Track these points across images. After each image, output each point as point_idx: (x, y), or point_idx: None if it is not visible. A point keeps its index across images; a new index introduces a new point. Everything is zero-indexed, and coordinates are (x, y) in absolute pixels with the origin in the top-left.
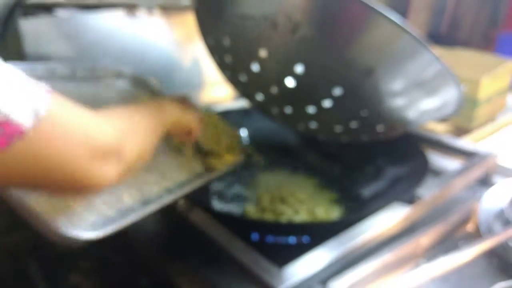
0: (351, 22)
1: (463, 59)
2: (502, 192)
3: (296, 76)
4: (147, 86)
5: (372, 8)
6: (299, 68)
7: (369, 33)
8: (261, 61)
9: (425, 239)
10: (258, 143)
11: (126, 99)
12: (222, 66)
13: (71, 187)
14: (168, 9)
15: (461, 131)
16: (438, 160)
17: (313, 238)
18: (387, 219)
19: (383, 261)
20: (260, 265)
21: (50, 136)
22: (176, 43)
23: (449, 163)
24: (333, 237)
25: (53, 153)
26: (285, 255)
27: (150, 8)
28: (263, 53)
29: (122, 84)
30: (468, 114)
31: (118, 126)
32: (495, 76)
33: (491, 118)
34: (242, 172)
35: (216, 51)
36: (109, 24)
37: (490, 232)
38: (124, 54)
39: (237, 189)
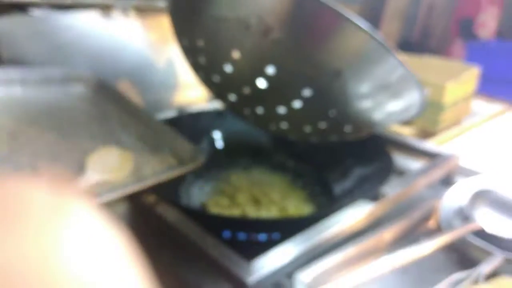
0: (321, 27)
1: (430, 65)
2: (462, 191)
3: (267, 77)
4: (110, 91)
5: (341, 15)
6: (270, 70)
7: (337, 37)
8: (233, 62)
9: (388, 234)
10: (231, 144)
11: (84, 107)
12: (196, 67)
13: None
14: (143, 11)
15: (426, 134)
16: (403, 161)
17: (283, 234)
18: (352, 215)
19: (347, 254)
20: (230, 259)
21: None
22: (151, 44)
23: (413, 164)
24: (301, 232)
25: None
26: (256, 250)
27: (125, 10)
28: (236, 54)
29: (82, 90)
30: (433, 118)
31: None
32: (460, 81)
33: (456, 122)
34: (214, 171)
35: (190, 52)
36: (84, 24)
37: (450, 228)
38: (98, 55)
39: (206, 187)
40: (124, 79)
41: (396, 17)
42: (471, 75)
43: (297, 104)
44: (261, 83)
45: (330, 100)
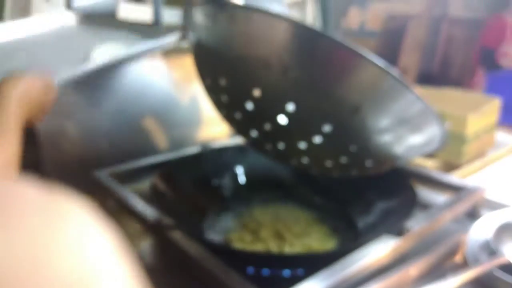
0: (337, 65)
1: (451, 98)
2: (488, 225)
3: (287, 114)
4: None
5: (356, 53)
6: (290, 106)
7: (354, 75)
8: (254, 100)
9: (414, 269)
10: (254, 178)
11: None
12: (219, 105)
13: None
14: (168, 52)
15: (450, 167)
16: (427, 194)
17: (307, 270)
18: (377, 251)
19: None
20: None
21: None
22: (175, 83)
23: (437, 198)
24: (325, 268)
25: None
26: (280, 286)
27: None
28: (256, 92)
29: None
30: (456, 150)
31: None
32: (482, 113)
33: (480, 154)
34: (237, 206)
35: (212, 91)
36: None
37: (476, 262)
38: (125, 94)
39: (229, 222)
40: (150, 117)
41: (415, 49)
42: (493, 106)
43: (317, 139)
44: (282, 120)
45: (350, 135)
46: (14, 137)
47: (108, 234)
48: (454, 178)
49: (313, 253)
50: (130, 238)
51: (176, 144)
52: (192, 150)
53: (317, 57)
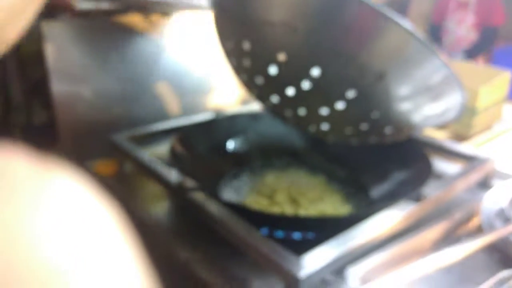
0: (364, 28)
1: (461, 70)
2: (501, 193)
3: (312, 79)
4: None
5: (383, 14)
6: (315, 72)
7: (381, 38)
8: (279, 64)
9: (432, 233)
10: (266, 146)
11: None
12: (239, 69)
13: None
14: (180, 18)
15: (459, 138)
16: (439, 164)
17: (326, 233)
18: (396, 214)
19: (394, 252)
20: (280, 254)
21: None
22: (188, 50)
23: (449, 167)
24: (346, 230)
25: None
26: (300, 248)
27: (164, 14)
28: (281, 56)
29: None
30: (466, 122)
31: None
32: (492, 86)
33: (487, 127)
34: (250, 172)
35: (234, 55)
36: (125, 29)
37: (491, 228)
38: (139, 59)
39: (244, 186)
40: (162, 83)
41: (420, 22)
42: (503, 79)
43: (340, 105)
44: (306, 85)
45: (373, 101)
46: None
47: (105, 213)
48: (467, 148)
49: (336, 216)
50: (147, 200)
51: (187, 110)
52: (206, 116)
53: (344, 19)
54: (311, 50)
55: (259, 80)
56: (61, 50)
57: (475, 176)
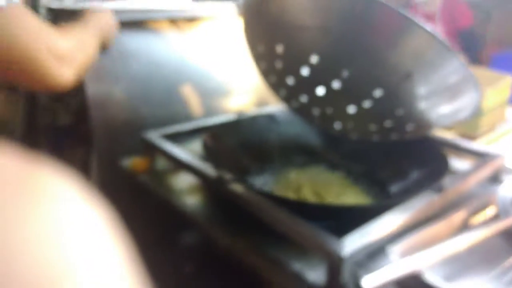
0: (391, 31)
1: None
2: None
3: (342, 79)
4: None
5: (408, 18)
6: (345, 72)
7: (407, 40)
8: (311, 66)
9: (454, 219)
10: (284, 145)
11: None
12: (268, 71)
13: (33, 78)
14: (207, 21)
15: (466, 138)
16: (454, 161)
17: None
18: (421, 203)
19: (424, 234)
20: (323, 237)
21: (16, 19)
22: (209, 55)
23: (462, 164)
24: (377, 217)
25: (18, 35)
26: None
27: (191, 20)
28: (314, 58)
29: None
30: (473, 123)
31: (72, 39)
32: (496, 89)
33: (492, 128)
34: (272, 169)
35: (265, 58)
36: (155, 33)
37: (507, 214)
38: (165, 61)
39: (269, 182)
40: (188, 84)
41: None
42: (506, 83)
43: (367, 104)
44: (336, 85)
45: (399, 100)
46: (95, 42)
47: (98, 217)
48: (479, 145)
49: (369, 205)
50: (183, 194)
51: (209, 112)
52: (229, 116)
53: (373, 23)
54: (342, 52)
55: (290, 80)
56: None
57: (487, 170)
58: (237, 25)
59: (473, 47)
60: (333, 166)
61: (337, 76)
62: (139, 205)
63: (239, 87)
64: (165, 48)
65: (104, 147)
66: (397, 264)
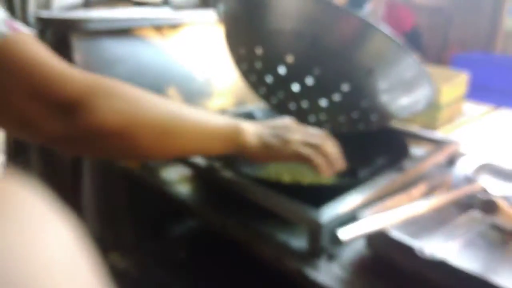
0: (356, 33)
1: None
2: (468, 164)
3: (314, 76)
4: None
5: (369, 24)
6: (317, 70)
7: (368, 42)
8: (287, 65)
9: (416, 192)
10: None
11: None
12: (249, 71)
13: (18, 126)
14: (189, 28)
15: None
16: (415, 149)
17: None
18: (386, 180)
19: (390, 203)
20: (303, 209)
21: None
22: (192, 59)
23: (421, 151)
24: (351, 191)
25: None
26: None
27: (174, 26)
28: (289, 58)
29: None
30: (432, 116)
31: (101, 88)
32: (453, 85)
33: (450, 121)
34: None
35: (245, 59)
36: (142, 40)
37: (460, 187)
38: (151, 66)
39: (252, 173)
40: (173, 86)
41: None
42: (462, 79)
43: (336, 97)
44: (309, 81)
45: (363, 93)
46: None
47: (66, 228)
48: (435, 134)
49: (341, 183)
50: (177, 184)
51: None
52: None
53: (339, 28)
54: (314, 52)
55: (269, 79)
56: (87, 59)
57: (443, 155)
58: (216, 30)
59: (416, 46)
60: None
61: (310, 73)
62: (132, 199)
63: (219, 88)
64: (150, 54)
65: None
66: (367, 220)
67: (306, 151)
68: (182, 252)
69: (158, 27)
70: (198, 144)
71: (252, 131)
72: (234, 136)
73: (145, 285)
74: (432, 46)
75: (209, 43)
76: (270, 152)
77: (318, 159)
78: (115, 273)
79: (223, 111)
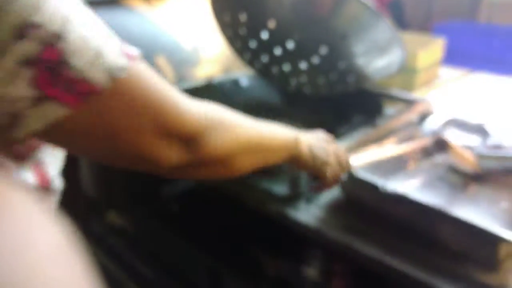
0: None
1: (405, 38)
2: (435, 120)
3: (294, 40)
4: None
5: None
6: (297, 34)
7: (344, 8)
8: (269, 30)
9: (385, 143)
10: (249, 105)
11: None
12: (234, 38)
13: (134, 161)
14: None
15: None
16: (390, 109)
17: None
18: (361, 134)
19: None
20: None
21: (122, 102)
22: (180, 28)
23: (394, 110)
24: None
25: (120, 121)
26: None
27: None
28: (271, 23)
29: None
30: (409, 80)
31: (213, 120)
32: (429, 50)
33: (426, 84)
34: None
35: (230, 26)
36: (130, 9)
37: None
38: (141, 35)
39: None
40: (161, 55)
41: None
42: (438, 45)
43: (315, 59)
44: (290, 45)
45: (339, 56)
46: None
47: (56, 231)
48: (409, 94)
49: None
50: None
51: (182, 79)
52: (200, 83)
53: None
54: (294, 17)
55: (253, 44)
56: None
57: (414, 112)
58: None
59: (398, 15)
60: (292, 119)
61: (291, 37)
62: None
63: (206, 56)
64: (138, 23)
65: None
66: None
67: (329, 176)
68: (174, 207)
69: None
70: (269, 157)
71: (307, 143)
72: (293, 147)
73: (141, 238)
74: (416, 17)
75: (195, 12)
76: (315, 162)
77: (331, 181)
78: (113, 230)
79: (210, 78)
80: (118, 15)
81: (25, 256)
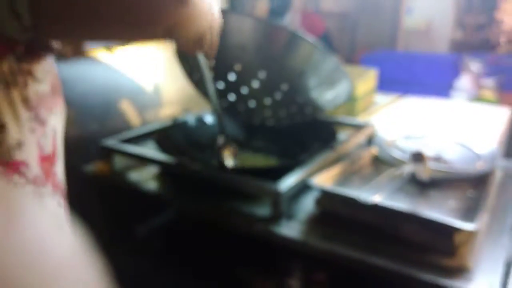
0: (286, 43)
1: None
2: (382, 141)
3: (259, 79)
4: None
5: (296, 34)
6: (261, 74)
7: (298, 49)
8: (236, 72)
9: (341, 164)
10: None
11: None
12: (201, 81)
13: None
14: (136, 48)
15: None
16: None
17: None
18: (323, 157)
19: (329, 171)
20: (265, 184)
21: None
22: (142, 73)
23: (345, 135)
24: (297, 168)
25: None
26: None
27: (122, 45)
28: (238, 67)
29: None
30: (351, 108)
31: None
32: (365, 80)
33: (364, 110)
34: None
35: (197, 71)
36: (93, 60)
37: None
38: (105, 83)
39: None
40: (126, 100)
41: None
42: (372, 75)
43: (278, 95)
44: (255, 84)
45: (298, 90)
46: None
47: (74, 235)
48: (356, 120)
49: (289, 163)
50: (148, 180)
51: (146, 121)
52: (166, 123)
53: (274, 38)
54: (257, 60)
55: (221, 85)
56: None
57: (363, 135)
58: (164, 45)
59: (329, 48)
60: (255, 150)
61: (255, 77)
62: (105, 203)
63: (168, 97)
64: (102, 72)
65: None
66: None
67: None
68: (156, 242)
69: (109, 47)
70: None
71: None
72: None
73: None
74: (342, 48)
75: (155, 55)
76: None
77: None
78: None
79: (175, 118)
80: (84, 67)
81: (46, 260)
